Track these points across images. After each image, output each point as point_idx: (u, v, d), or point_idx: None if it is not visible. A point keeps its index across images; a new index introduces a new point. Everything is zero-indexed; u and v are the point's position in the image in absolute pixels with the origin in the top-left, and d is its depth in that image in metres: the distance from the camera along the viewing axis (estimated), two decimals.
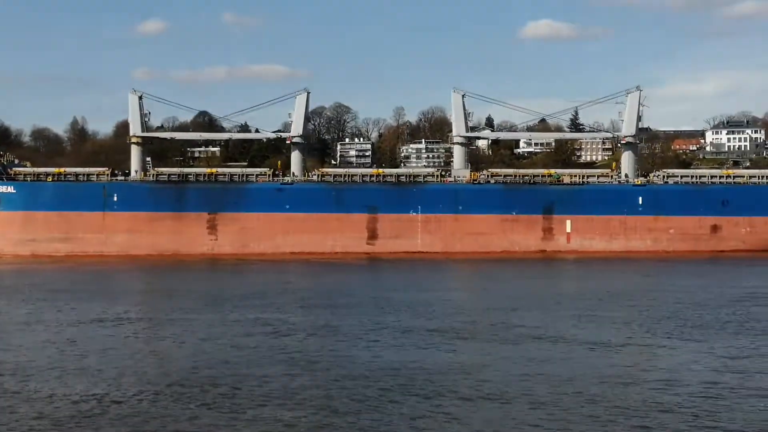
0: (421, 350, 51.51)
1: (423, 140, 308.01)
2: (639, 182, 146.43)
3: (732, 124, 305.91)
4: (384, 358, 48.83)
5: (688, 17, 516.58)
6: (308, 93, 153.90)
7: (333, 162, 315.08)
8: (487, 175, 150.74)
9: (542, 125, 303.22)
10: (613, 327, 60.32)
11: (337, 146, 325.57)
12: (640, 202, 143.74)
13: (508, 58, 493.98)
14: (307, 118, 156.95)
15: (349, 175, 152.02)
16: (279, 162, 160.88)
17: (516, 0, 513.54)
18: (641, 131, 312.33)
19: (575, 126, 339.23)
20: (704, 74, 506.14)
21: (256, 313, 67.50)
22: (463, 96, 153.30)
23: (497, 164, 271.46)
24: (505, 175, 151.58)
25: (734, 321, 62.61)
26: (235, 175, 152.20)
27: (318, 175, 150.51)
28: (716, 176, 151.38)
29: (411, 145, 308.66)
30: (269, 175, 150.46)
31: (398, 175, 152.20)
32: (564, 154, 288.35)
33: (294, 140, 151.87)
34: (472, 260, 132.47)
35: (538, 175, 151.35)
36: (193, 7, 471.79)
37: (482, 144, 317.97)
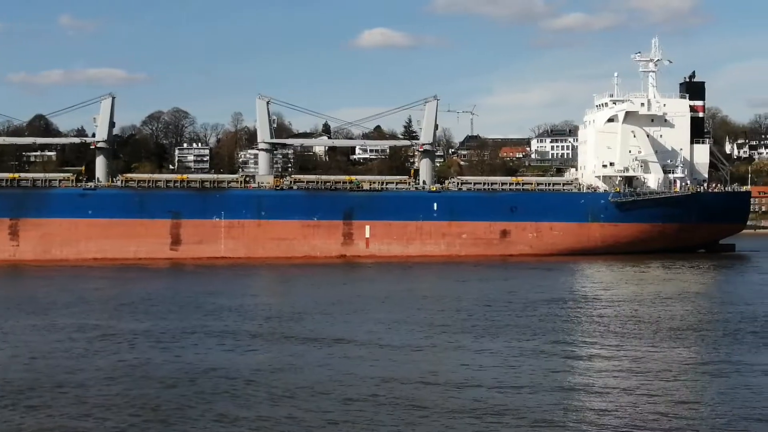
0: (227, 354, 53.85)
1: None
2: (434, 189, 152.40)
3: (555, 133, 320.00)
4: (189, 362, 50.93)
5: (518, 29, 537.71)
6: (113, 98, 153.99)
7: (171, 167, 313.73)
8: (291, 182, 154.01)
9: (377, 132, 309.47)
10: (414, 330, 63.97)
11: (175, 151, 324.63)
12: (435, 208, 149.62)
13: (343, 66, 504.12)
14: (113, 123, 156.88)
15: (153, 181, 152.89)
16: (83, 167, 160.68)
17: (351, 9, 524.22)
18: (471, 139, 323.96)
19: (408, 133, 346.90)
20: (531, 84, 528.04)
21: (66, 319, 68.16)
22: (268, 102, 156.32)
23: (333, 170, 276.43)
24: (307, 182, 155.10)
25: (526, 323, 67.52)
26: (38, 180, 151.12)
27: (122, 181, 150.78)
28: (506, 183, 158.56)
29: (249, 151, 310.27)
30: (72, 180, 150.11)
31: (202, 181, 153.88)
32: (398, 160, 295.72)
33: (98, 145, 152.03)
34: (274, 265, 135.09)
35: (340, 182, 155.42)
36: (30, 9, 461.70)
37: (319, 150, 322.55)
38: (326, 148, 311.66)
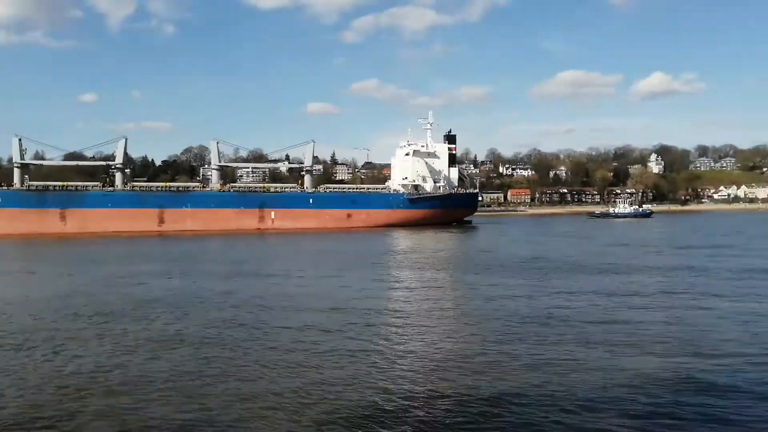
0: None
1: None
2: (311, 191, 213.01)
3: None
4: None
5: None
6: None
7: None
8: None
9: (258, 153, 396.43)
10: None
11: None
12: (311, 202, 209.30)
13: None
14: None
15: None
16: None
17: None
18: (367, 165, 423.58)
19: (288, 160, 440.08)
20: None
21: None
22: None
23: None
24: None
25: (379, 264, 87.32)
26: None
27: None
28: (350, 188, 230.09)
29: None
30: None
31: None
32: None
33: None
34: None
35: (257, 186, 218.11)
36: None
37: None
38: None
